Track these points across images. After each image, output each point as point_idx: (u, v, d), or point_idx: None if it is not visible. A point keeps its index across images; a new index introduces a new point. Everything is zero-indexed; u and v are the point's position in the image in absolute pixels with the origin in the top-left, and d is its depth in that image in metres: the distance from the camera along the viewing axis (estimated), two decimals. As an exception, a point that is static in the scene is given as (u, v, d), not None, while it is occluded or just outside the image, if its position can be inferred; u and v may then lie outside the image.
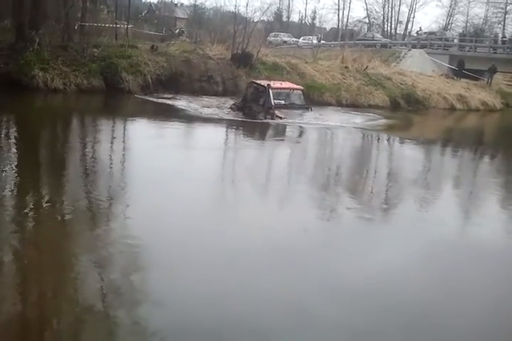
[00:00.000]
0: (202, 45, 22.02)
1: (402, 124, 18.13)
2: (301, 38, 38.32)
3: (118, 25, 21.22)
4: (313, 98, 20.53)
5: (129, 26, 21.82)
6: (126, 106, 16.66)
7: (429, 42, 32.46)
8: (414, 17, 47.33)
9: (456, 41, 34.02)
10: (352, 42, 33.26)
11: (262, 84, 14.85)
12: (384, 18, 47.05)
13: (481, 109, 24.63)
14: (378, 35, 38.33)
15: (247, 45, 20.77)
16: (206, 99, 17.40)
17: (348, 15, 42.84)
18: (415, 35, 38.44)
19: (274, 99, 14.33)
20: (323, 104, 20.15)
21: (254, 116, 14.11)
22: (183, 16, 41.61)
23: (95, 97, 16.57)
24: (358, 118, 16.55)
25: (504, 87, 28.92)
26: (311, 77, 21.58)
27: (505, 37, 36.76)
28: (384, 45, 33.88)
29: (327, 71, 22.92)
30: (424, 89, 23.96)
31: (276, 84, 15.33)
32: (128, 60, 18.33)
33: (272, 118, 13.99)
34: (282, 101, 14.70)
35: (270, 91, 14.31)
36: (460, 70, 28.16)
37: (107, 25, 20.60)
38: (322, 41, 35.99)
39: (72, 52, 17.61)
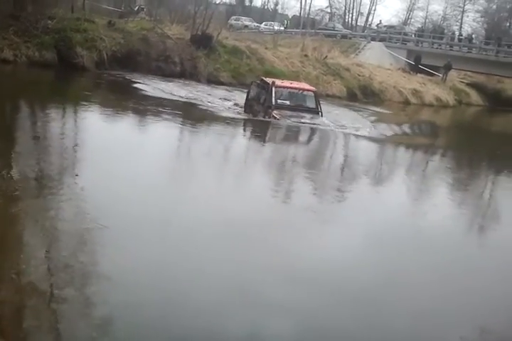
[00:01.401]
0: (161, 24, 21.50)
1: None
2: (263, 23, 38.04)
3: (74, -3, 20.39)
4: (272, 84, 20.54)
5: (86, -1, 21.05)
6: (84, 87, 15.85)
7: (389, 35, 32.84)
8: (375, 10, 47.41)
9: (414, 36, 34.50)
10: (313, 31, 33.23)
11: (267, 81, 13.37)
12: (346, 8, 47.21)
13: (435, 104, 25.16)
14: (339, 26, 38.45)
15: (207, 27, 20.41)
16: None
17: (310, 4, 42.70)
18: (375, 27, 38.79)
19: (278, 98, 12.78)
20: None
21: (255, 115, 12.89)
22: (143, -7, 40.64)
23: (47, 72, 15.83)
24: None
25: (458, 84, 29.58)
26: (270, 63, 21.48)
27: (462, 35, 37.59)
28: (344, 36, 34.04)
29: (287, 58, 22.87)
30: (380, 82, 24.27)
31: (284, 82, 13.89)
32: (83, 34, 17.68)
33: (270, 119, 12.54)
34: (287, 102, 12.98)
35: (273, 89, 12.75)
36: (417, 65, 28.62)
37: (63, -4, 19.78)
38: (282, 28, 35.77)
39: (24, 22, 16.83)
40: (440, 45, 31.34)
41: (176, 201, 6.13)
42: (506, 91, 31.42)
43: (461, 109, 26.53)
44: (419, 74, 27.90)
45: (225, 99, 15.49)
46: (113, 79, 16.22)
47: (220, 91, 17.17)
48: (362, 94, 22.81)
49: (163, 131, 10.41)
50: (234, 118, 12.74)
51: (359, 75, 24.31)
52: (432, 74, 28.62)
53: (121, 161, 7.24)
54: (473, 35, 37.98)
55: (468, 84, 30.76)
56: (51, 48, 16.59)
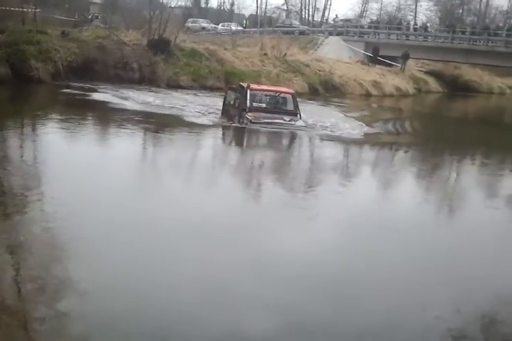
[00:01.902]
0: (117, 30, 21.24)
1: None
2: (220, 24, 37.97)
3: (25, 9, 20.03)
4: (233, 84, 20.53)
5: (37, 10, 20.68)
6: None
7: (346, 29, 33.15)
8: (331, 4, 47.89)
9: (370, 29, 34.88)
10: (271, 29, 33.32)
11: (243, 84, 13.10)
12: (302, 5, 47.50)
13: (395, 94, 25.53)
14: (296, 22, 38.67)
15: (163, 31, 20.28)
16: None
17: (266, 2, 42.88)
18: (332, 22, 39.13)
19: (253, 101, 12.48)
20: (243, 91, 20.19)
21: (231, 119, 12.53)
22: (96, 1, 40.07)
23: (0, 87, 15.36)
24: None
25: (416, 73, 30.10)
26: (230, 64, 21.46)
27: (417, 24, 38.21)
28: (302, 32, 34.22)
29: (246, 58, 22.89)
30: (341, 76, 24.50)
31: (261, 86, 13.84)
32: (37, 46, 17.38)
33: (245, 122, 12.07)
34: (263, 105, 12.72)
35: (248, 91, 12.42)
36: (375, 57, 29.00)
37: (12, 8, 19.38)
38: (240, 28, 35.80)
39: (-27, 37, 16.49)
40: (397, 36, 31.78)
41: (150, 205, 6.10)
42: (463, 77, 32.11)
43: (421, 97, 26.97)
44: (378, 66, 28.29)
45: (203, 106, 14.95)
46: (70, 92, 15.85)
47: (198, 98, 16.90)
48: (323, 89, 22.99)
49: (132, 143, 10.07)
50: (207, 124, 12.30)
51: (319, 70, 24.50)
52: (390, 65, 29.03)
53: (85, 180, 6.98)
54: (428, 24, 38.69)
55: (426, 72, 31.34)
56: (3, 62, 16.23)
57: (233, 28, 34.99)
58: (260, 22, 34.75)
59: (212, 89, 19.40)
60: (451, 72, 32.25)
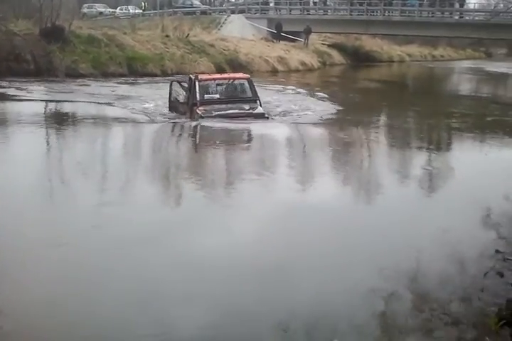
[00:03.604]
0: (5, 20, 19.97)
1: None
2: (118, 8, 36.72)
3: None
4: (137, 70, 20.03)
5: None
6: None
7: (247, 7, 33.04)
8: (230, -18, 47.44)
9: (272, 5, 34.97)
10: (171, 10, 32.65)
11: (191, 76, 11.76)
12: (201, -16, 46.75)
13: (301, 69, 25.87)
14: (197, 2, 38.03)
15: (56, 18, 19.29)
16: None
17: (164, -17, 41.72)
18: (233, 0, 38.84)
19: (204, 93, 11.21)
20: (147, 75, 19.74)
21: (181, 115, 11.43)
22: (-18, -10, 37.54)
23: None
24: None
25: (320, 47, 30.63)
26: (131, 48, 20.85)
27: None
28: (204, 12, 33.79)
29: (148, 41, 22.32)
30: (246, 54, 24.48)
31: (211, 75, 12.74)
32: None
33: (196, 118, 10.86)
34: (216, 96, 11.45)
35: (197, 83, 11.13)
36: (278, 33, 29.18)
37: None
38: (139, 11, 34.80)
39: None
40: (300, 11, 32.04)
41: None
42: (364, 48, 33.06)
43: (326, 70, 27.49)
44: (282, 42, 28.51)
45: (144, 101, 13.60)
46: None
47: (142, 89, 15.94)
48: (230, 68, 22.79)
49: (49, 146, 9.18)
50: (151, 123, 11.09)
51: (224, 50, 24.36)
52: (294, 40, 29.35)
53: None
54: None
55: (329, 46, 31.96)
56: None
57: (132, 11, 33.98)
58: (160, 4, 33.87)
59: (114, 75, 18.78)
60: (352, 43, 33.11)
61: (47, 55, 18.25)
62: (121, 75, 19.06)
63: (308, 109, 13.26)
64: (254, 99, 11.39)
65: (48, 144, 9.12)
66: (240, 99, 11.46)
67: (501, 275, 4.45)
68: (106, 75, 18.67)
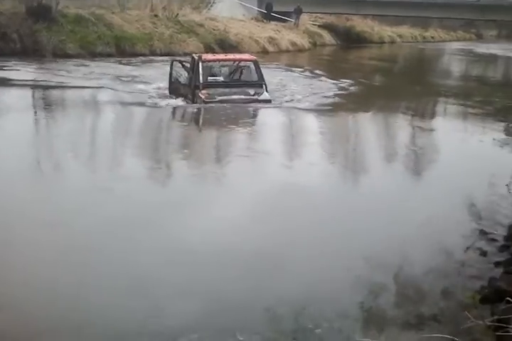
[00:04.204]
0: (-11, -1, 19.66)
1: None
2: (106, -14, 36.05)
3: None
4: (125, 49, 19.80)
5: None
6: None
7: (237, -14, 32.55)
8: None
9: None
10: (160, -11, 32.07)
11: (194, 56, 11.14)
12: (190, -38, 45.95)
13: (291, 49, 25.67)
14: (186, -19, 37.41)
15: (42, -3, 18.95)
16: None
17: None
18: (223, -21, 38.21)
19: (207, 75, 10.62)
20: (136, 55, 19.55)
21: (184, 98, 10.81)
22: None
23: None
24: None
25: (310, 27, 30.33)
26: (119, 28, 20.55)
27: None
28: (193, -9, 33.23)
29: (136, 21, 21.99)
30: (236, 34, 24.22)
31: (216, 55, 12.11)
32: None
33: (198, 102, 10.36)
34: (220, 78, 10.84)
35: (200, 64, 10.46)
36: (269, 13, 28.84)
37: None
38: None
39: None
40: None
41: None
42: (355, 28, 32.81)
43: (317, 51, 27.32)
44: (272, 22, 28.20)
45: (145, 82, 13.02)
46: None
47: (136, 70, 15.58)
48: (220, 48, 22.58)
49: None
50: (155, 105, 10.53)
51: (214, 30, 24.07)
52: (284, 21, 29.03)
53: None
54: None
55: (320, 26, 31.67)
56: None
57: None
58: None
59: (102, 55, 18.56)
60: (343, 24, 32.82)
61: (33, 35, 17.95)
62: (110, 55, 18.82)
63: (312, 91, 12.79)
64: (260, 83, 10.76)
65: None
66: (245, 83, 10.87)
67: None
68: (94, 55, 18.44)
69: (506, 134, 9.42)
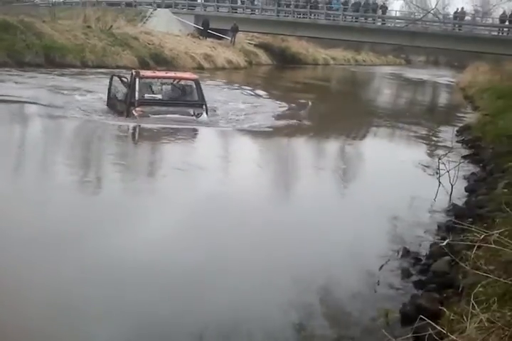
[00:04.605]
0: None
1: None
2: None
3: None
4: (55, 60, 19.18)
5: None
6: None
7: (174, 1, 32.42)
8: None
9: (200, 1, 34.59)
10: (95, 0, 31.52)
11: (132, 72, 10.65)
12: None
13: (227, 67, 25.77)
14: (123, -6, 36.98)
15: (-34, 1, 18.12)
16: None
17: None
18: (160, -6, 38.03)
19: (145, 92, 10.24)
20: (66, 66, 18.95)
21: (119, 115, 10.25)
22: None
23: None
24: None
25: (246, 46, 30.66)
26: (49, 37, 19.90)
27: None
28: (129, 4, 32.76)
29: (68, 31, 21.43)
30: (171, 49, 24.09)
31: (155, 72, 11.56)
32: None
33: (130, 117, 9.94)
34: (158, 96, 10.40)
35: (137, 80, 10.07)
36: (205, 30, 28.95)
37: None
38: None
39: None
40: (228, 9, 31.80)
41: None
42: (290, 49, 33.46)
43: (253, 70, 27.54)
44: (208, 39, 28.32)
45: (88, 91, 12.65)
46: None
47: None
48: (154, 63, 22.36)
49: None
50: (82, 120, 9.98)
51: (149, 44, 23.82)
52: (221, 38, 29.20)
53: None
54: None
55: (256, 45, 32.08)
56: None
57: (52, -1, 32.48)
58: (83, -7, 32.65)
59: (30, 65, 17.85)
60: (279, 44, 33.39)
61: (-46, 41, 17.09)
62: (38, 65, 18.14)
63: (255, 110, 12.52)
64: (201, 103, 10.42)
65: None
66: (184, 102, 10.48)
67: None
68: (21, 65, 17.68)
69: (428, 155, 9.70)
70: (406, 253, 4.85)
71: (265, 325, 3.57)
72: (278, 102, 14.67)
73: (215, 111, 11.35)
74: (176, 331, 3.52)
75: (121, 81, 10.89)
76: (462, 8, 29.77)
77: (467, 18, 30.01)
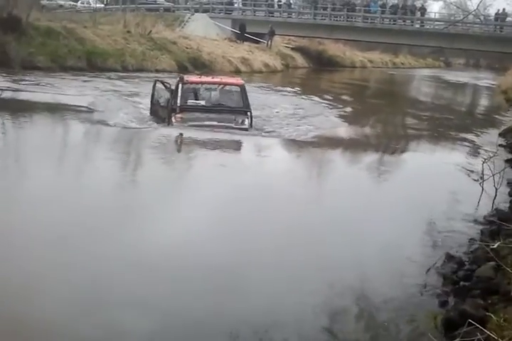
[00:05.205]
0: (-42, 8, 19.26)
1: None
2: (79, 1, 35.93)
3: None
4: (97, 64, 19.61)
5: None
6: None
7: (211, 6, 32.82)
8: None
9: (237, 5, 34.85)
10: (134, 6, 32.13)
11: (178, 77, 10.36)
12: (166, -19, 46.20)
13: (264, 70, 25.86)
14: (161, -1, 37.61)
15: (13, 8, 18.68)
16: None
17: (129, -21, 41.06)
18: (197, -1, 38.53)
19: (187, 98, 9.88)
20: (107, 70, 19.36)
21: (162, 121, 9.96)
22: None
23: None
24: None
25: (283, 49, 30.71)
26: (91, 43, 20.37)
27: (281, 1, 38.75)
28: (167, 9, 33.37)
29: (109, 36, 21.88)
30: (209, 53, 24.32)
31: (201, 77, 10.93)
32: None
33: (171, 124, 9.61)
34: (202, 102, 9.94)
35: (180, 86, 9.77)
36: (242, 34, 29.11)
37: None
38: (101, 5, 34.20)
39: None
40: (265, 13, 31.94)
41: None
42: (327, 52, 33.34)
43: (290, 73, 27.57)
44: (245, 43, 28.48)
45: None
46: None
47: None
48: (192, 67, 22.65)
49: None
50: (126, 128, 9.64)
51: (187, 48, 24.13)
52: (257, 42, 29.34)
53: None
54: (292, 1, 39.31)
55: (293, 49, 32.11)
56: None
57: (93, 5, 33.27)
58: (123, -1, 33.39)
59: (73, 69, 18.31)
60: (316, 47, 33.33)
61: (1, 46, 17.63)
62: (80, 69, 18.58)
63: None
64: (245, 110, 9.86)
65: None
66: (228, 109, 9.95)
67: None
68: (64, 69, 18.17)
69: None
70: (449, 258, 4.79)
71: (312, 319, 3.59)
72: (323, 105, 14.68)
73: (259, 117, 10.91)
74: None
75: (165, 86, 10.61)
76: (504, 10, 29.23)
77: (509, 19, 29.39)
